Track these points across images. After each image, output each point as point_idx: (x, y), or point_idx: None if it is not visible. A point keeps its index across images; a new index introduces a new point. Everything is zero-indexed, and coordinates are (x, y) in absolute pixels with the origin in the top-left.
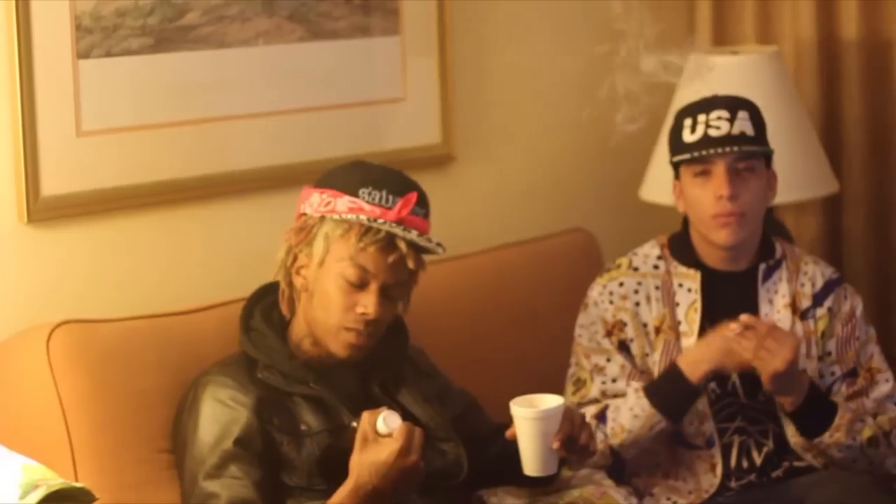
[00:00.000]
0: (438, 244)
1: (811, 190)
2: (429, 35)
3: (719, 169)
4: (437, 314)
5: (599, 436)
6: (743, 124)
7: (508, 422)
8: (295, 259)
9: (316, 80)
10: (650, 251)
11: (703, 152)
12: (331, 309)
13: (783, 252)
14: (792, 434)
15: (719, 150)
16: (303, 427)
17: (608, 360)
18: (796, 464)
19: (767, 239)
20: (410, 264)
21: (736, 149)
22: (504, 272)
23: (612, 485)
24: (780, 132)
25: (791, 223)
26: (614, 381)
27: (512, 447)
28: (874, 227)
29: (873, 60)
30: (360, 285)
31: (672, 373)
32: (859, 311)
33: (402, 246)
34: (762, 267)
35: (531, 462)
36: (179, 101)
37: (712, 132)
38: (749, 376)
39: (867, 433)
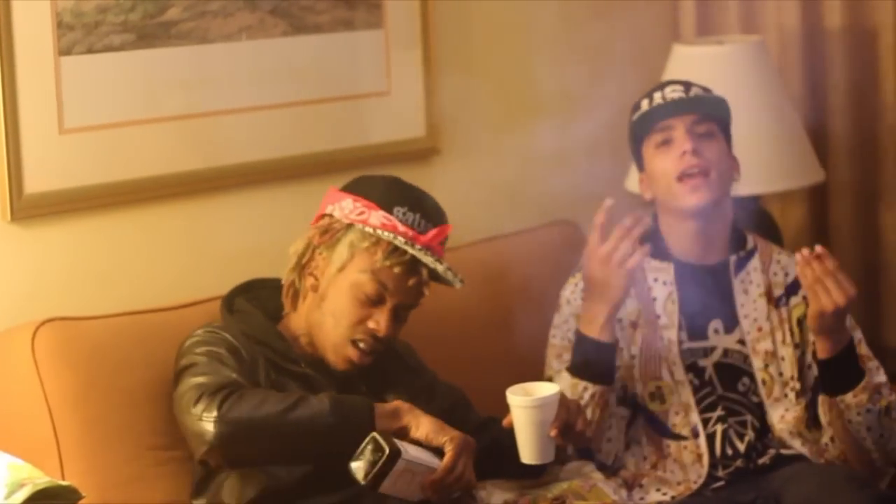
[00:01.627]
0: (460, 279)
1: (797, 180)
2: (412, 28)
3: (679, 132)
4: (424, 308)
5: None
6: (697, 90)
7: (498, 415)
8: (311, 258)
9: (299, 74)
10: None
11: (661, 107)
12: (341, 319)
13: (754, 243)
14: (778, 420)
15: (677, 103)
16: None
17: None
18: (783, 451)
19: (737, 231)
20: (426, 291)
21: (692, 96)
22: (490, 266)
23: (601, 478)
24: (765, 122)
25: (777, 213)
26: None
27: (500, 441)
28: (860, 216)
29: (858, 49)
30: (376, 301)
31: (578, 340)
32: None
33: (425, 273)
34: (733, 258)
35: (528, 450)
36: (162, 98)
37: (669, 96)
38: (725, 368)
39: (884, 402)
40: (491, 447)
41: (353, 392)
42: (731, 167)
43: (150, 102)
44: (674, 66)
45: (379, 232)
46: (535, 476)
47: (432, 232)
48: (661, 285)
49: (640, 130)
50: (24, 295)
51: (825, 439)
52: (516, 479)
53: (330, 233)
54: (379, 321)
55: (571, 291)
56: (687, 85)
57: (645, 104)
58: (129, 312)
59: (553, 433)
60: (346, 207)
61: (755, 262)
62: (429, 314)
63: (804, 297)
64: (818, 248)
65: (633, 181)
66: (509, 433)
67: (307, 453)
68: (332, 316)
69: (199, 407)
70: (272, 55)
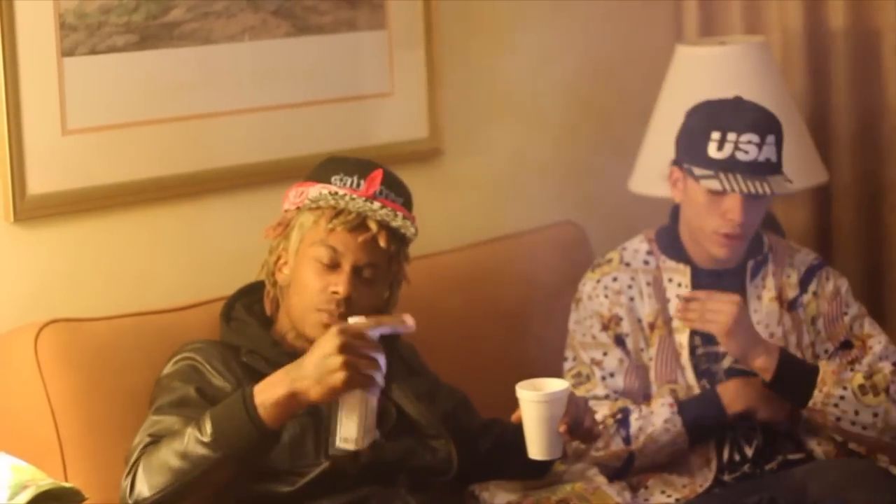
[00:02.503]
0: (411, 223)
1: (800, 180)
2: (415, 29)
3: (736, 196)
4: (426, 309)
5: (617, 438)
6: (769, 150)
7: (501, 417)
8: (279, 258)
9: (302, 75)
10: (639, 246)
11: (730, 177)
12: (305, 292)
13: (770, 245)
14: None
15: (746, 186)
16: None
17: (605, 353)
18: (790, 457)
19: (756, 234)
20: (382, 242)
21: (760, 187)
22: (493, 266)
23: (604, 481)
24: None
25: (780, 214)
26: (612, 375)
27: (504, 442)
28: (864, 217)
29: (861, 50)
30: (332, 266)
31: (710, 399)
32: (844, 289)
33: (373, 225)
34: (751, 263)
35: (537, 445)
36: (165, 98)
37: (740, 155)
38: (737, 374)
39: (857, 381)
40: (494, 449)
41: None
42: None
43: (153, 103)
44: (677, 67)
45: (319, 202)
46: (539, 477)
47: (364, 184)
48: (676, 287)
49: (702, 165)
50: (27, 296)
51: (839, 439)
52: (520, 480)
53: (282, 225)
54: (338, 283)
55: (593, 287)
56: (763, 132)
57: (713, 146)
58: (133, 314)
59: (562, 429)
60: (291, 197)
61: (770, 267)
62: (431, 315)
63: (814, 293)
64: (684, 294)
65: (636, 182)
66: (513, 434)
67: (226, 482)
68: (298, 295)
69: (122, 492)
70: (275, 56)
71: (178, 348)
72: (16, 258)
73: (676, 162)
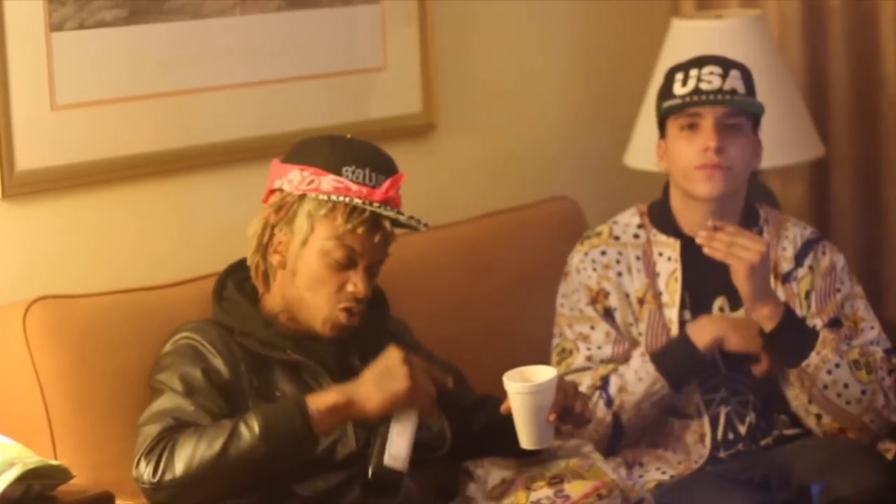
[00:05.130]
0: (424, 223)
1: (797, 155)
2: (409, 3)
3: (707, 122)
4: (421, 285)
5: (600, 404)
6: (734, 82)
7: (494, 393)
8: (272, 236)
9: (294, 49)
10: (630, 219)
11: (695, 98)
12: (319, 290)
13: (766, 217)
14: (794, 398)
15: (711, 98)
16: (277, 394)
17: (592, 327)
18: (786, 432)
19: (750, 206)
20: (392, 242)
21: (728, 97)
22: (487, 241)
23: (600, 457)
24: (765, 97)
25: (777, 189)
26: (600, 347)
27: (497, 419)
28: (861, 191)
29: (858, 22)
30: (348, 265)
31: (679, 338)
32: (840, 265)
33: (388, 225)
34: None
35: (527, 436)
36: (154, 74)
37: (704, 85)
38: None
39: (852, 355)
40: (488, 426)
41: (347, 370)
42: (754, 155)
43: (142, 78)
44: (673, 41)
45: (334, 197)
46: (533, 454)
47: (386, 184)
48: (666, 261)
49: (668, 108)
50: (16, 272)
51: (811, 417)
52: (514, 457)
53: (285, 208)
54: (357, 283)
55: (580, 260)
56: (726, 67)
57: (678, 83)
58: (122, 290)
59: (552, 418)
60: (294, 179)
61: (765, 238)
62: (425, 291)
63: (810, 267)
64: (713, 222)
65: (631, 157)
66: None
67: (254, 481)
68: (308, 290)
69: (139, 470)
70: (267, 30)
71: (175, 328)
72: (4, 234)
73: (660, 126)
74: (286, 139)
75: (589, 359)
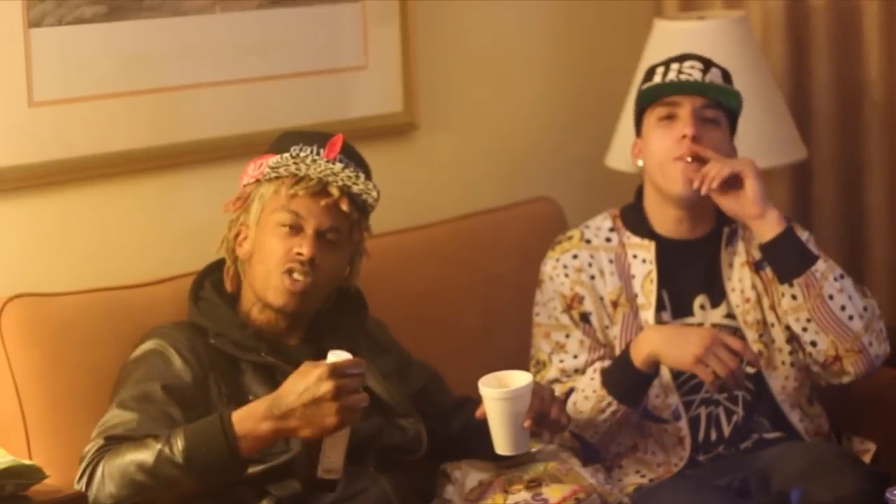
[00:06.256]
0: (373, 186)
1: (779, 157)
2: (390, 2)
3: (685, 111)
4: (400, 284)
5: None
6: (715, 78)
7: (471, 395)
8: (238, 232)
9: (275, 47)
10: (602, 223)
11: (675, 81)
12: (269, 259)
13: None
14: (779, 391)
15: (691, 85)
16: (250, 397)
17: (567, 335)
18: (766, 435)
19: None
20: (344, 206)
21: (707, 82)
22: (468, 242)
23: (577, 463)
24: (748, 99)
25: None
26: (575, 356)
27: (475, 421)
28: (843, 193)
29: (841, 25)
30: (296, 230)
31: (622, 354)
32: (805, 237)
33: (335, 191)
34: (726, 231)
35: (502, 442)
36: (134, 71)
37: (684, 77)
38: None
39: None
40: (466, 427)
41: None
42: (730, 153)
43: (122, 76)
44: (655, 41)
45: (279, 169)
46: (511, 457)
47: (325, 150)
48: (641, 263)
49: (647, 98)
50: None
51: (806, 345)
52: (492, 460)
53: (242, 198)
54: (301, 244)
55: (553, 267)
56: (707, 64)
57: (658, 75)
58: (98, 289)
59: (527, 424)
60: (249, 171)
61: (739, 231)
62: (405, 290)
63: None
64: (691, 151)
65: (613, 158)
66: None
67: (190, 493)
68: (261, 263)
69: (80, 485)
70: (247, 28)
71: (145, 333)
72: None
73: (637, 123)
74: (266, 137)
75: (563, 371)
